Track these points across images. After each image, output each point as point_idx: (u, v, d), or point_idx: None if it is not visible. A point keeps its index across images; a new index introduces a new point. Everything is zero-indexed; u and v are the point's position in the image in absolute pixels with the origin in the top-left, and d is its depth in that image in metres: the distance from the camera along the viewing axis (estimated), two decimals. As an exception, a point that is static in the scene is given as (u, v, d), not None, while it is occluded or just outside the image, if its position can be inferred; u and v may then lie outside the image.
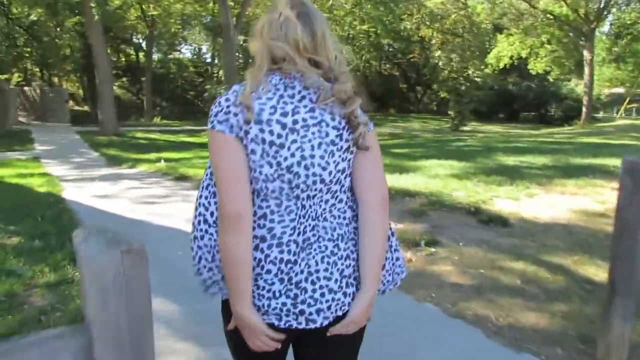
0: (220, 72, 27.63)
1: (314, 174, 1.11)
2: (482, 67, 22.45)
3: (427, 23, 22.81)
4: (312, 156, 1.11)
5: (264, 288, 1.11)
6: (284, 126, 1.09)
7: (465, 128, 23.22)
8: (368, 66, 35.15)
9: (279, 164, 1.10)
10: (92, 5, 13.73)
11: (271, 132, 1.08)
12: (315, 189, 1.13)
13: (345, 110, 1.12)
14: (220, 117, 1.10)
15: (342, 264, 1.15)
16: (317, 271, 1.13)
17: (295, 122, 1.10)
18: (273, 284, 1.11)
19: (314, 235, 1.14)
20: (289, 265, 1.11)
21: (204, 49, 37.04)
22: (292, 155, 1.10)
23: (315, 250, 1.13)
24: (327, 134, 1.12)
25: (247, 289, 1.10)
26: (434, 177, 6.53)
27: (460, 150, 10.43)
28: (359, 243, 1.18)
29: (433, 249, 3.91)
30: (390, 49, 35.43)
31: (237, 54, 19.67)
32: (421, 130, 24.01)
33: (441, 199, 5.25)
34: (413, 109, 36.63)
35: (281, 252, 1.11)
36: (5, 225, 4.57)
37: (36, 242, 4.01)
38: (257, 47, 1.15)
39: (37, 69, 27.64)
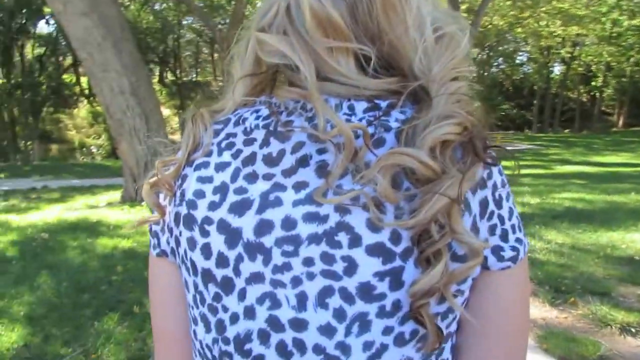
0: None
1: None
2: None
3: None
4: (302, 323, 0.44)
5: None
6: (234, 237, 0.45)
7: None
8: (638, 70, 28.20)
9: (221, 327, 0.47)
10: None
11: (206, 251, 0.46)
12: None
13: (420, 214, 0.40)
14: (154, 213, 0.53)
15: None
16: None
17: (264, 226, 0.44)
18: None
19: None
20: None
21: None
22: (250, 312, 0.45)
23: None
24: (351, 266, 0.43)
25: None
26: None
27: None
28: None
29: None
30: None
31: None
32: None
33: None
34: None
35: None
36: (93, 316, 2.83)
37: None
38: (237, 58, 0.52)
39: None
